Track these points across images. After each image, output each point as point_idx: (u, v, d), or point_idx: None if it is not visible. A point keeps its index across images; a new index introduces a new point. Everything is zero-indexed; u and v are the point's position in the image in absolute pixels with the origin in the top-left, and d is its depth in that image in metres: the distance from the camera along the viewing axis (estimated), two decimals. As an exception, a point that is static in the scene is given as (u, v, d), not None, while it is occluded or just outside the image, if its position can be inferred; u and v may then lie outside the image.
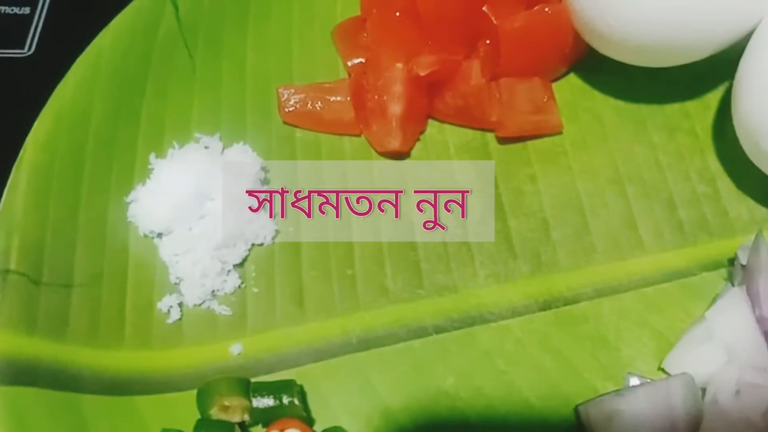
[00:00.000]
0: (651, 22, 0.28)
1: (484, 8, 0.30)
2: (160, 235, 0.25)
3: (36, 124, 0.25)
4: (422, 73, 0.28)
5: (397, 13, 0.29)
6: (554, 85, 0.32)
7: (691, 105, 0.32)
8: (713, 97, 0.32)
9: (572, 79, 0.33)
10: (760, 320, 0.25)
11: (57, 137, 0.25)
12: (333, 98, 0.29)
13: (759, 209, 0.30)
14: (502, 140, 0.30)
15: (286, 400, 0.21)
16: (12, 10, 0.37)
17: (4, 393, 0.19)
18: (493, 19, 0.30)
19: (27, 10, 0.37)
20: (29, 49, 0.35)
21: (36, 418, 0.19)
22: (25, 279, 0.21)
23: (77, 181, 0.25)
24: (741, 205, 0.30)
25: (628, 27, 0.28)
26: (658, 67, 0.31)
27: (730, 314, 0.25)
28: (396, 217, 0.27)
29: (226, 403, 0.20)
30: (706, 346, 0.24)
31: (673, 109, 0.32)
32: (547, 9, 0.30)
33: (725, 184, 0.30)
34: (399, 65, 0.28)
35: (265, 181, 0.27)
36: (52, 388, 0.20)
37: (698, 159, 0.31)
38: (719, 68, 0.30)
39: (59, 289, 0.22)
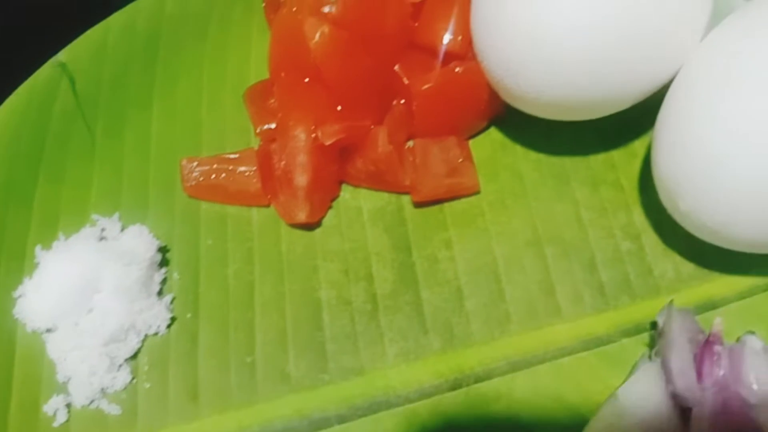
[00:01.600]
0: (560, 79, 0.27)
1: (396, 68, 0.30)
2: (48, 330, 0.24)
3: None
4: (327, 143, 0.27)
5: (306, 79, 0.28)
6: (473, 141, 0.32)
7: (616, 154, 0.32)
8: (640, 145, 0.32)
9: (492, 133, 0.32)
10: (672, 396, 0.24)
11: None
12: (239, 169, 0.28)
13: (685, 265, 0.29)
14: (418, 204, 0.29)
15: None
16: None
17: None
18: (404, 79, 0.30)
19: None
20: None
21: None
22: None
23: None
24: (666, 262, 0.29)
25: (537, 86, 0.27)
26: (579, 119, 0.30)
27: (643, 391, 0.24)
28: (302, 294, 0.26)
29: None
30: (617, 427, 0.24)
31: (598, 160, 0.31)
32: (458, 69, 0.29)
33: (650, 240, 0.30)
34: (304, 134, 0.27)
35: (164, 263, 0.27)
36: None
37: (623, 213, 0.30)
38: (647, 113, 0.28)
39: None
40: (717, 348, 0.24)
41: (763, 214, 0.25)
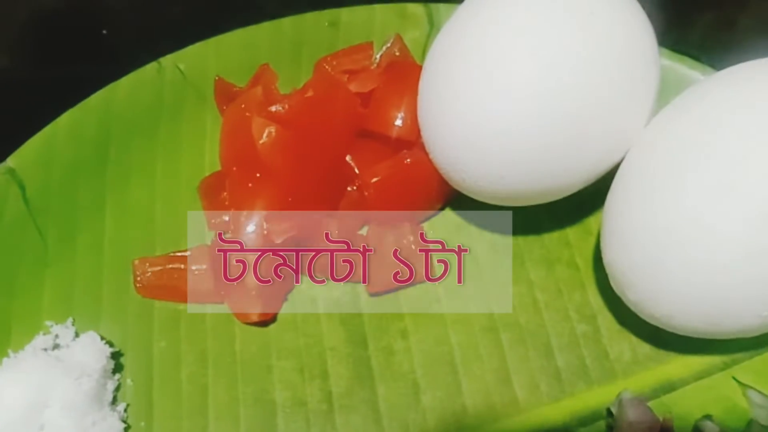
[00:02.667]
0: (506, 172, 0.27)
1: (347, 158, 0.30)
2: (-6, 451, 0.24)
3: None
4: (277, 241, 0.27)
5: (258, 174, 0.29)
6: (429, 223, 0.32)
7: (571, 232, 0.32)
8: (594, 222, 0.32)
9: (447, 215, 0.32)
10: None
11: None
12: (191, 267, 0.28)
13: (642, 346, 0.29)
14: (373, 294, 0.30)
15: None
16: None
17: None
18: (355, 169, 0.30)
19: None
20: None
21: None
22: None
23: None
24: (623, 344, 0.29)
25: (484, 178, 0.28)
26: (528, 204, 0.30)
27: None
28: (256, 397, 0.26)
29: None
30: None
31: (552, 238, 0.32)
32: (408, 159, 0.29)
33: (606, 321, 0.30)
34: (254, 231, 0.27)
35: (118, 368, 0.27)
36: None
37: (578, 293, 0.30)
38: (601, 190, 0.28)
39: None
40: (671, 435, 0.24)
41: (707, 306, 0.25)
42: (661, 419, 0.25)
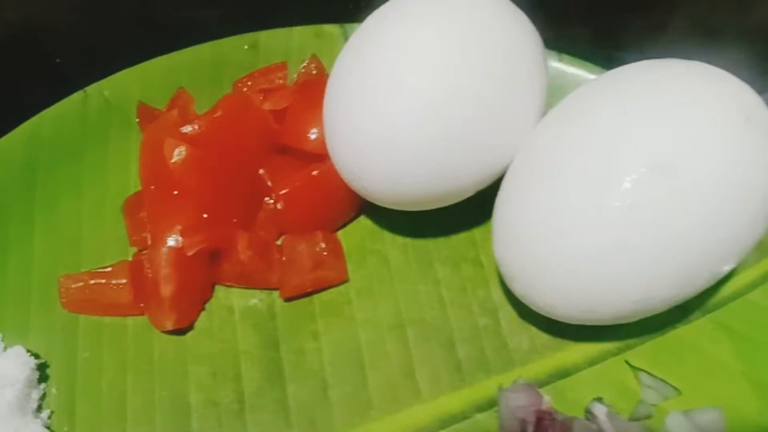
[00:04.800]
0: (403, 178, 0.29)
1: (261, 171, 0.33)
2: None
3: None
4: (189, 253, 0.30)
5: (175, 192, 0.31)
6: (344, 230, 0.35)
7: (477, 233, 0.34)
8: (501, 222, 0.34)
9: (362, 221, 0.35)
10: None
11: None
12: (112, 282, 0.30)
13: (540, 336, 0.32)
14: (287, 299, 0.32)
15: None
16: None
17: None
18: (268, 182, 0.32)
19: None
20: None
21: None
22: None
23: None
24: (522, 335, 0.32)
25: (384, 185, 0.30)
26: (431, 209, 0.33)
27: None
28: (172, 400, 0.29)
29: None
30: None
31: (459, 239, 0.34)
32: (315, 172, 0.32)
33: (507, 314, 0.32)
34: (168, 245, 0.30)
35: (44, 378, 0.29)
36: None
37: (482, 290, 0.33)
38: None
39: None
40: (546, 423, 0.26)
41: (584, 295, 0.27)
42: (543, 404, 0.27)
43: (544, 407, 0.27)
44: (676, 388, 0.30)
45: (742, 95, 0.28)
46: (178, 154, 0.30)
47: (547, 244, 0.27)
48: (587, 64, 0.37)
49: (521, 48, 0.31)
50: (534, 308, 0.30)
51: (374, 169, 0.30)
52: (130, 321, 0.31)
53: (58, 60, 0.45)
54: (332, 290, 0.32)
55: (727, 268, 0.28)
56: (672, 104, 0.27)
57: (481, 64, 0.29)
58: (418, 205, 0.32)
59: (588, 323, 0.29)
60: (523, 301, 0.30)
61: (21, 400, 0.27)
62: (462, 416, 0.29)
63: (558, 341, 0.31)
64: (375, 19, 0.31)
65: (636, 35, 0.52)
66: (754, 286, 0.33)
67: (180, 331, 0.30)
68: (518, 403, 0.28)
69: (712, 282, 0.29)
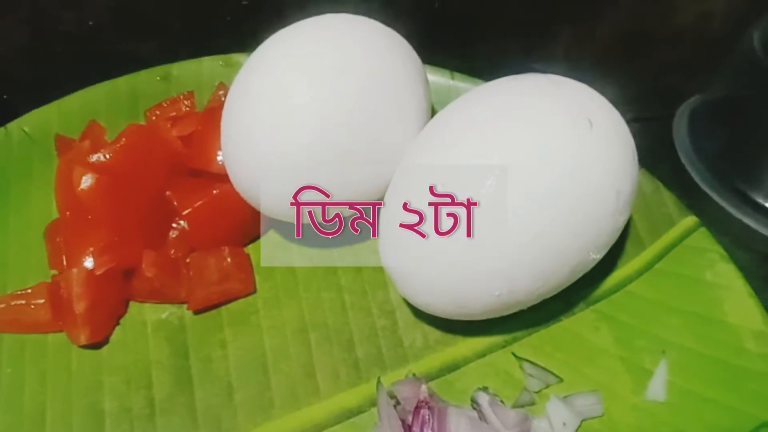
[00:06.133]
0: (289, 192, 0.34)
1: (168, 193, 0.37)
2: None
3: None
4: (98, 272, 0.34)
5: (89, 216, 0.35)
6: (254, 245, 0.39)
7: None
8: (401, 229, 0.38)
9: (271, 235, 0.39)
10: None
11: None
12: (33, 302, 0.34)
13: (433, 333, 0.36)
14: (196, 311, 0.36)
15: None
16: None
17: None
18: (174, 203, 0.36)
19: None
20: None
21: None
22: None
23: None
24: (416, 332, 0.36)
25: (275, 202, 0.34)
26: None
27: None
28: (88, 407, 0.32)
29: None
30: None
31: (363, 247, 0.39)
32: (215, 191, 0.36)
33: (403, 314, 0.37)
34: (80, 266, 0.34)
35: (-35, 395, 0.33)
36: None
37: (381, 293, 0.37)
38: None
39: None
40: (424, 412, 0.30)
41: (452, 292, 0.32)
42: (420, 393, 0.31)
43: (421, 397, 0.31)
44: (557, 376, 0.34)
45: (587, 101, 0.32)
46: (86, 181, 0.34)
47: (419, 247, 0.32)
48: (476, 80, 0.42)
49: (397, 67, 0.35)
50: (418, 307, 0.34)
51: (267, 186, 0.34)
52: (50, 337, 0.35)
53: (5, 96, 0.49)
54: (240, 301, 0.37)
55: (587, 261, 0.33)
56: (522, 113, 0.31)
57: (365, 85, 0.34)
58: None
59: (464, 318, 0.33)
60: (408, 300, 0.34)
61: None
62: (358, 410, 0.33)
63: (449, 337, 0.36)
64: (267, 45, 0.36)
65: (565, 47, 0.56)
66: (633, 278, 0.37)
67: (96, 345, 0.34)
68: (402, 394, 0.32)
69: (578, 275, 0.34)
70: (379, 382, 0.31)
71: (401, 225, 0.32)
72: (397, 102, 0.35)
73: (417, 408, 0.31)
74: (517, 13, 0.54)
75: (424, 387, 0.32)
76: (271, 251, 0.38)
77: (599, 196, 0.31)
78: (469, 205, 0.30)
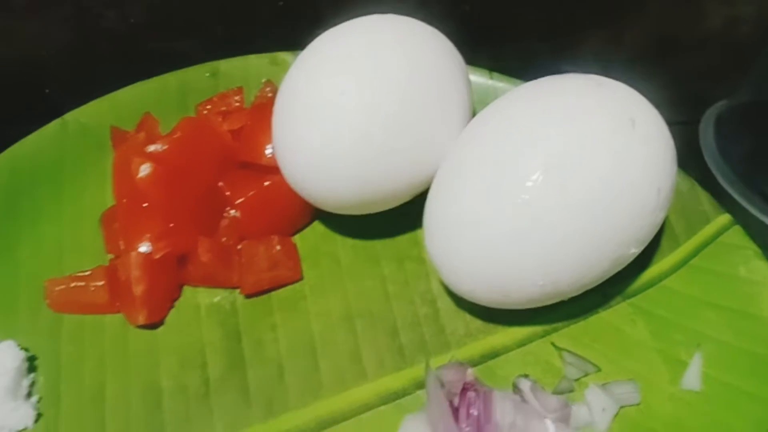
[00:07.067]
0: (344, 187, 0.37)
1: (220, 184, 0.39)
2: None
3: None
4: (156, 257, 0.37)
5: (145, 204, 0.38)
6: (300, 235, 0.42)
7: (419, 233, 0.41)
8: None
9: (316, 226, 0.42)
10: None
11: None
12: (91, 284, 0.37)
13: (474, 322, 0.38)
14: (248, 296, 0.39)
15: None
16: None
17: None
18: (227, 193, 0.39)
19: None
20: None
21: None
22: None
23: None
24: (458, 321, 0.38)
25: (324, 193, 0.37)
26: (375, 212, 0.39)
27: (413, 434, 0.33)
28: (145, 385, 0.35)
29: None
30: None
31: (404, 239, 0.42)
32: (267, 182, 0.39)
33: (445, 304, 0.39)
34: (138, 251, 0.37)
35: (33, 369, 0.36)
36: None
37: (422, 283, 0.40)
38: None
39: None
40: (470, 394, 0.33)
41: (496, 280, 0.34)
42: (467, 377, 0.33)
43: (467, 379, 0.33)
44: (596, 365, 0.37)
45: (629, 100, 0.35)
46: (144, 170, 0.37)
47: (465, 237, 0.34)
48: (514, 80, 0.44)
49: (446, 69, 0.38)
50: (461, 295, 0.36)
51: (317, 178, 0.37)
52: (108, 318, 0.38)
53: (47, 90, 0.52)
54: (288, 288, 0.39)
55: (627, 256, 0.35)
56: (565, 112, 0.34)
57: (411, 84, 0.36)
58: (359, 209, 0.39)
59: (507, 306, 0.36)
60: (451, 288, 0.37)
61: (13, 387, 0.34)
62: (403, 393, 0.35)
63: (490, 326, 0.38)
64: (315, 46, 0.39)
65: (593, 50, 0.59)
66: (669, 273, 0.40)
67: (151, 326, 0.37)
68: (447, 378, 0.34)
69: (617, 268, 0.36)
70: (427, 365, 0.34)
71: (446, 217, 0.35)
72: (441, 99, 0.38)
73: (464, 389, 0.33)
74: (546, 16, 0.57)
75: (470, 370, 0.34)
76: (317, 241, 0.41)
77: (640, 193, 0.34)
78: (514, 198, 0.33)
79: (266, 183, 0.39)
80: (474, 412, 0.33)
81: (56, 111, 0.45)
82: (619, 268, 0.36)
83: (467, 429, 0.32)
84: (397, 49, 0.37)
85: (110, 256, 0.39)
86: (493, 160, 0.34)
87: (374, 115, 0.35)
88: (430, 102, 0.37)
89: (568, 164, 0.33)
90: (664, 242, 0.41)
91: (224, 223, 0.40)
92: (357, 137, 0.35)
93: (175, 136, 0.39)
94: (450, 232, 0.35)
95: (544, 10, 0.57)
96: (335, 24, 0.39)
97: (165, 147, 0.38)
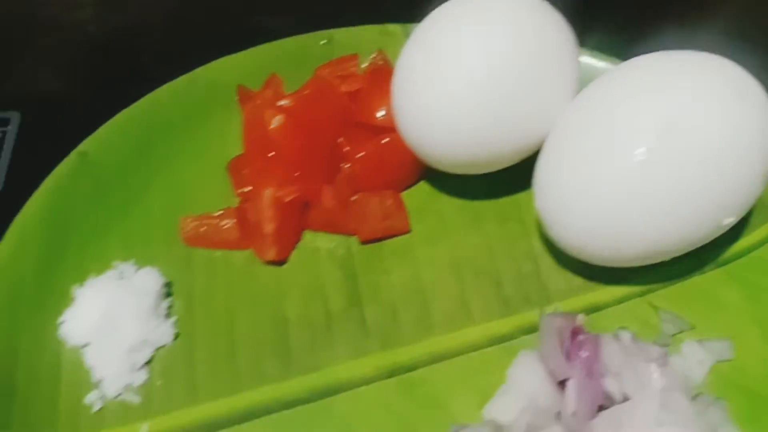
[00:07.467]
0: (459, 145, 0.40)
1: (340, 140, 0.43)
2: (84, 345, 0.37)
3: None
4: (286, 200, 0.41)
5: (271, 153, 0.42)
6: (407, 192, 0.45)
7: (521, 196, 0.45)
8: (539, 187, 0.44)
9: (423, 185, 0.46)
10: (550, 374, 0.35)
11: (4, 282, 0.37)
12: (222, 223, 0.42)
13: (575, 279, 0.41)
14: (363, 242, 0.42)
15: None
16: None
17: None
18: (346, 148, 0.43)
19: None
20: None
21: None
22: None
23: (21, 307, 0.37)
24: (559, 278, 0.41)
25: (442, 152, 0.41)
26: (484, 173, 0.43)
27: (525, 371, 0.35)
28: (272, 315, 0.39)
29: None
30: (506, 398, 0.35)
31: (506, 201, 0.45)
32: (384, 140, 0.43)
33: (546, 262, 0.42)
34: (270, 194, 0.41)
35: (170, 294, 0.40)
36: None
37: (524, 242, 0.43)
38: None
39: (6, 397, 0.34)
40: (580, 337, 0.36)
41: (606, 237, 0.37)
42: (576, 321, 0.36)
43: (578, 323, 0.36)
44: (690, 324, 0.39)
45: (737, 76, 0.38)
46: (276, 121, 0.41)
47: (578, 195, 0.37)
48: (613, 58, 0.47)
49: (557, 41, 0.41)
50: (569, 251, 0.39)
51: (435, 137, 0.40)
52: (237, 254, 0.42)
53: (147, 58, 0.57)
54: (399, 238, 0.43)
55: (729, 220, 0.38)
56: (677, 83, 0.37)
57: (524, 54, 0.40)
58: (471, 169, 0.42)
59: (613, 263, 0.39)
60: (559, 244, 0.40)
61: (155, 307, 0.38)
62: (509, 336, 0.39)
63: (590, 284, 0.41)
64: (432, 18, 0.42)
65: (664, 30, 0.61)
66: (761, 243, 0.42)
67: (277, 263, 0.41)
68: (558, 323, 0.37)
69: (718, 232, 0.39)
70: (542, 310, 0.37)
71: (559, 179, 0.38)
72: (552, 70, 0.41)
73: (574, 332, 0.36)
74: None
75: (579, 316, 0.37)
76: (424, 199, 0.45)
77: (747, 162, 0.36)
78: (627, 161, 0.36)
79: (384, 140, 0.42)
80: (583, 353, 0.36)
81: (147, 79, 0.49)
82: (718, 234, 0.39)
83: (578, 367, 0.35)
84: (510, 22, 0.40)
85: (237, 199, 0.44)
86: (607, 124, 0.37)
87: (489, 85, 0.38)
88: (541, 72, 0.40)
89: (681, 130, 0.35)
90: (757, 214, 0.43)
91: (340, 176, 0.43)
92: (473, 105, 0.39)
93: (304, 93, 0.43)
94: (563, 192, 0.38)
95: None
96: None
97: (294, 102, 0.42)
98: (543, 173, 0.40)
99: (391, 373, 0.37)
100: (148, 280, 0.38)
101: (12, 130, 0.52)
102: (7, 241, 0.39)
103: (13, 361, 0.36)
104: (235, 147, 0.46)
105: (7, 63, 0.57)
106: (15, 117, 0.52)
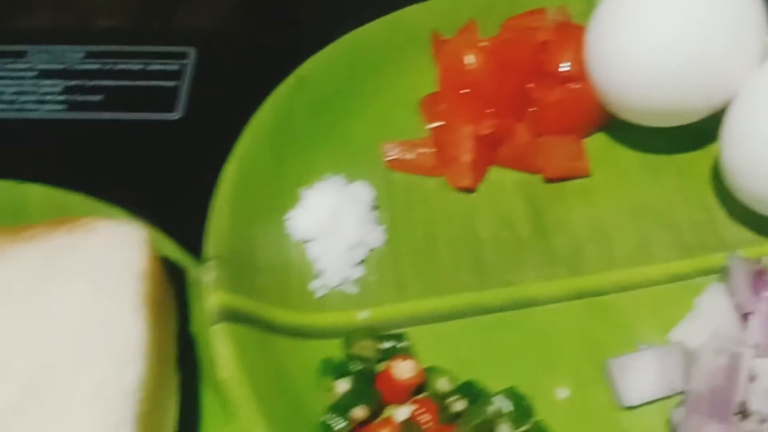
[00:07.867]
0: (652, 95, 0.43)
1: (530, 85, 0.47)
2: (308, 241, 0.42)
3: (227, 168, 0.43)
4: (482, 134, 0.45)
5: (464, 91, 0.46)
6: (587, 140, 0.49)
7: (697, 153, 0.48)
8: (716, 146, 0.46)
9: (601, 136, 0.49)
10: (736, 307, 0.38)
11: (243, 178, 0.43)
12: (420, 150, 0.46)
13: (747, 233, 0.44)
14: (546, 180, 0.47)
15: (400, 344, 0.38)
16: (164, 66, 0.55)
17: (231, 328, 0.35)
18: (535, 94, 0.46)
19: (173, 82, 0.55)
20: (178, 113, 0.52)
21: (247, 345, 0.36)
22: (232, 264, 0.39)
23: (259, 205, 0.43)
24: (734, 229, 0.44)
25: (635, 99, 0.44)
26: (667, 126, 0.46)
27: (713, 301, 0.39)
28: (465, 234, 0.44)
29: (363, 344, 0.37)
30: (695, 323, 0.38)
31: (683, 158, 0.48)
32: (574, 86, 0.46)
33: (720, 214, 0.45)
34: (467, 128, 0.45)
35: (377, 207, 0.45)
36: (257, 329, 0.37)
37: (699, 195, 0.46)
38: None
39: (250, 271, 0.39)
40: (766, 277, 0.38)
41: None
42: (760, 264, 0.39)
43: (762, 266, 0.39)
44: None
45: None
46: (475, 59, 0.46)
47: (761, 150, 0.40)
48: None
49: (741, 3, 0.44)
50: (746, 201, 0.42)
51: (630, 85, 0.44)
52: (432, 180, 0.46)
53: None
54: (579, 181, 0.47)
55: None
56: None
57: (729, 7, 0.42)
58: (658, 121, 0.46)
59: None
60: (739, 192, 0.43)
61: (368, 213, 0.43)
62: (688, 276, 0.42)
63: (761, 238, 0.44)
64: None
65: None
66: None
67: (469, 190, 0.46)
68: (745, 263, 0.40)
69: None
70: (734, 252, 0.40)
71: (748, 135, 0.41)
72: (745, 34, 0.44)
73: (758, 272, 0.39)
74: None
75: (765, 258, 0.40)
76: (603, 148, 0.48)
77: None
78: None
79: (575, 86, 0.46)
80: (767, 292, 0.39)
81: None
82: None
83: (763, 302, 0.38)
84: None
85: (425, 133, 0.48)
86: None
87: (693, 37, 0.42)
88: (733, 36, 0.43)
89: None
90: None
91: (529, 117, 0.47)
92: (663, 55, 0.42)
93: (502, 37, 0.47)
94: (751, 151, 0.41)
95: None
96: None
97: (492, 45, 0.47)
98: (732, 129, 0.42)
99: (579, 295, 0.41)
100: (362, 191, 0.44)
101: (190, 62, 0.58)
102: (239, 149, 0.44)
103: (252, 245, 0.41)
104: (424, 86, 0.50)
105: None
106: (192, 52, 0.59)
